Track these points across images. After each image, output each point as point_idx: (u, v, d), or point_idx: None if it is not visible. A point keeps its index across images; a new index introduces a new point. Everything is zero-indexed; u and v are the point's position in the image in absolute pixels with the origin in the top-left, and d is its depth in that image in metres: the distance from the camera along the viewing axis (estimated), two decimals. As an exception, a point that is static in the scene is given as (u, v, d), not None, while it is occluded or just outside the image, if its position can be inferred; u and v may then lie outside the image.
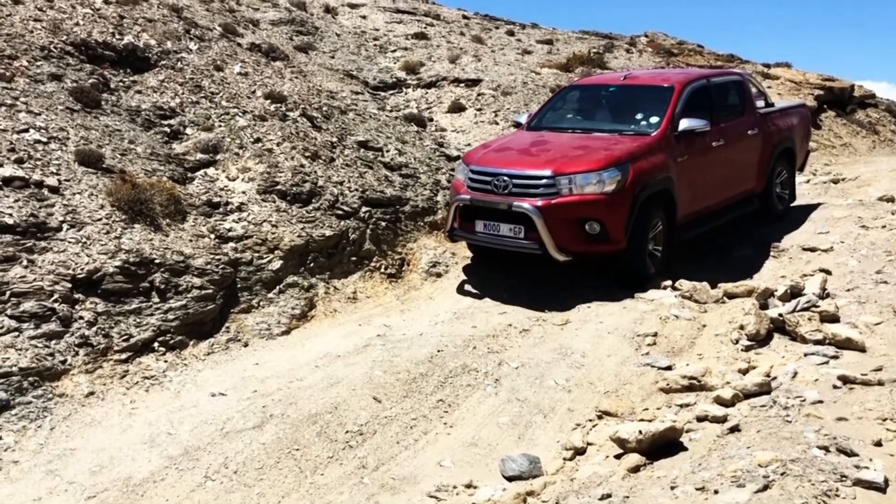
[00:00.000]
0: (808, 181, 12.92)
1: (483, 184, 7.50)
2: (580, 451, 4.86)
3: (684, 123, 7.86)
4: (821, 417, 4.49)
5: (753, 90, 9.58)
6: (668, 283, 7.32)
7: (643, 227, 7.36)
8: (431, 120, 11.97)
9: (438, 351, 6.15)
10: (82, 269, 5.89)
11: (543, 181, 7.19)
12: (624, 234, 7.20)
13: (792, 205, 10.16)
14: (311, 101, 9.78)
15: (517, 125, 9.21)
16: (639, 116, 8.22)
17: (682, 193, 7.79)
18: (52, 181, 6.42)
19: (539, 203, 7.09)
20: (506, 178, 7.34)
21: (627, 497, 3.96)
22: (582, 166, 7.21)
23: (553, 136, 8.27)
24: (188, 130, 8.24)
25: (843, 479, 3.74)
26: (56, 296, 5.64)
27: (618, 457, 4.58)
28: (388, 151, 9.50)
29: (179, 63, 9.21)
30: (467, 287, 7.68)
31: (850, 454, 3.99)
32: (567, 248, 7.15)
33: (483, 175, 7.54)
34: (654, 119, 8.02)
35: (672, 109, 7.98)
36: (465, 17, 19.12)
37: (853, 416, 4.49)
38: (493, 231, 7.45)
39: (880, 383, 4.98)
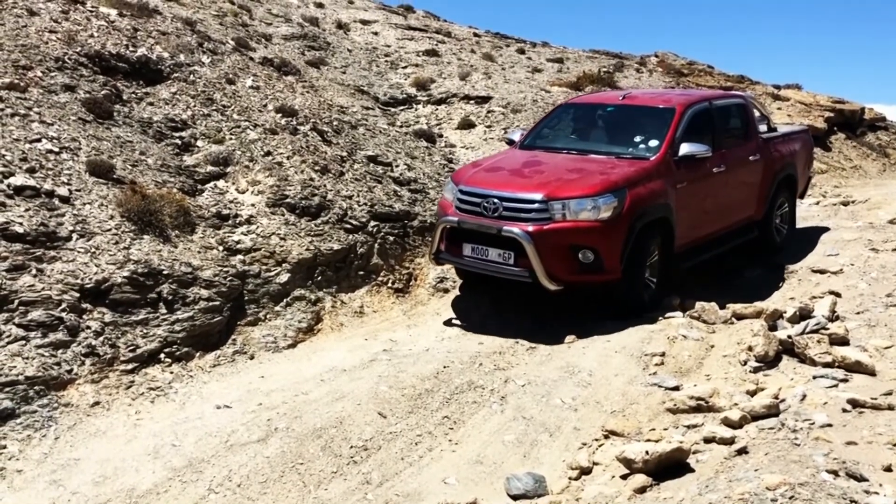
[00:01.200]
0: (818, 203, 12.89)
1: (472, 205, 7.12)
2: (586, 471, 4.82)
3: (685, 148, 7.55)
4: (830, 441, 4.44)
5: (756, 113, 9.32)
6: (677, 301, 7.29)
7: (639, 256, 7.06)
8: (441, 136, 12.01)
9: (444, 367, 6.12)
10: (90, 279, 5.90)
11: (535, 205, 6.84)
12: (619, 264, 6.87)
13: (801, 226, 10.12)
14: (321, 116, 9.82)
15: (510, 143, 8.83)
16: (637, 139, 7.87)
17: (680, 221, 7.48)
18: (62, 191, 6.46)
19: (530, 228, 6.74)
20: (496, 200, 6.96)
21: (633, 518, 3.92)
22: (577, 191, 6.88)
23: (547, 157, 7.91)
24: (199, 143, 8.28)
25: (853, 504, 3.69)
26: (64, 305, 5.65)
27: (624, 477, 4.54)
28: (397, 166, 9.53)
29: (192, 76, 9.28)
30: (474, 304, 7.65)
31: (860, 479, 3.94)
32: (559, 276, 6.80)
33: (472, 196, 7.16)
34: (653, 142, 7.68)
35: (672, 133, 7.65)
36: (475, 34, 19.21)
37: (863, 441, 4.44)
38: (482, 256, 7.07)
39: (890, 408, 4.93)
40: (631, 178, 7.10)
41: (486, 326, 7.07)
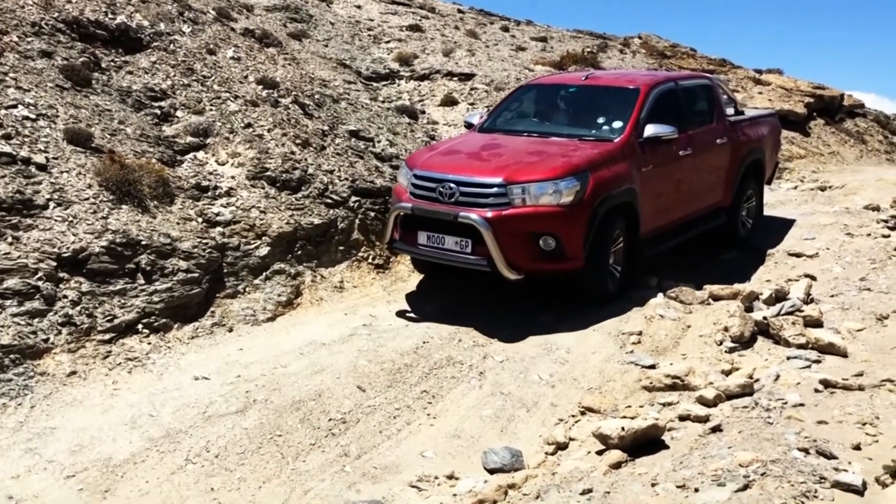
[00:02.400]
0: (795, 187, 13.02)
1: (427, 191, 6.77)
2: (562, 446, 4.88)
3: (650, 129, 7.25)
4: (802, 420, 4.52)
5: (723, 96, 9.04)
6: (655, 281, 7.35)
7: (603, 242, 6.79)
8: (423, 112, 11.96)
9: (424, 342, 6.15)
10: (68, 248, 5.84)
11: (494, 190, 6.49)
12: (582, 251, 6.58)
13: (776, 211, 10.21)
14: (303, 89, 9.73)
15: (468, 126, 8.44)
16: (600, 120, 7.57)
17: (645, 206, 7.21)
18: (39, 158, 6.36)
19: (488, 214, 6.40)
20: (452, 185, 6.61)
21: (608, 493, 3.98)
22: (537, 174, 6.55)
23: (507, 140, 7.56)
24: (179, 113, 8.18)
25: (822, 480, 3.77)
26: (40, 274, 5.59)
27: (599, 453, 4.60)
28: (379, 142, 9.48)
29: (172, 45, 9.14)
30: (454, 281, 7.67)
31: (830, 457, 4.02)
32: (519, 265, 6.47)
33: (427, 181, 6.80)
34: (616, 124, 7.39)
35: (637, 114, 7.36)
36: (459, 11, 19.08)
37: (833, 420, 4.53)
38: (438, 244, 6.72)
39: (861, 388, 5.02)
40: (594, 161, 6.80)
41: (465, 304, 7.09)
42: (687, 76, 9.24)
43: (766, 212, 10.55)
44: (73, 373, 5.30)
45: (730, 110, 9.03)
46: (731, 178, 8.72)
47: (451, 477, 4.61)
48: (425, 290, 7.47)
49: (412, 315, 6.82)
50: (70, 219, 6.06)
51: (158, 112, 8.05)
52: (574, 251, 6.56)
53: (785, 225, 9.71)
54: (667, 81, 8.13)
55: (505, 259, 6.39)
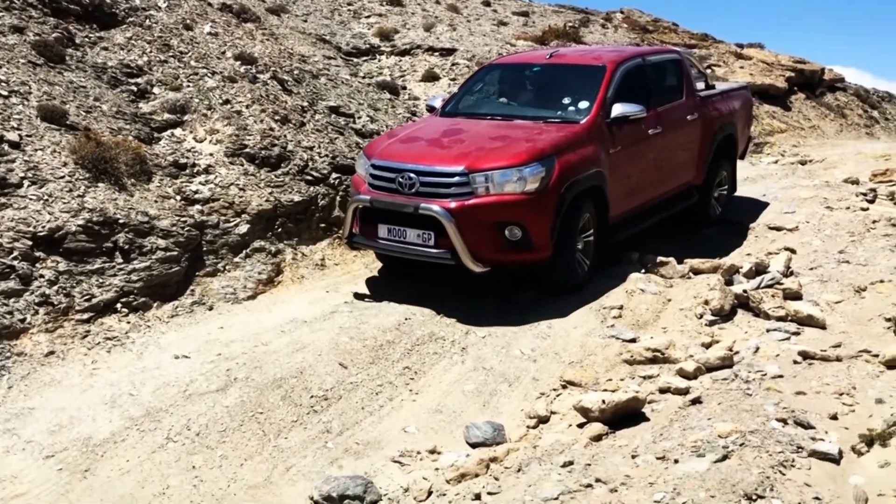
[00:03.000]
0: (776, 161, 13.08)
1: (386, 181, 6.48)
2: (544, 420, 4.90)
3: (617, 109, 6.97)
4: (780, 391, 4.57)
5: (693, 70, 8.74)
6: (636, 256, 7.36)
7: (571, 230, 6.51)
8: (405, 88, 11.86)
9: (406, 319, 6.14)
10: (43, 227, 5.76)
11: (456, 179, 6.21)
12: (549, 240, 6.31)
13: (754, 186, 10.24)
14: (282, 64, 9.62)
15: (430, 109, 8.05)
16: (566, 101, 7.24)
17: (614, 189, 6.94)
18: (12, 136, 6.25)
19: (451, 205, 6.12)
20: (412, 174, 6.32)
21: (589, 465, 4.00)
22: (500, 161, 6.26)
23: (469, 124, 7.19)
24: (155, 90, 8.07)
25: (800, 450, 3.81)
26: (16, 253, 5.52)
27: (581, 426, 4.63)
28: (359, 118, 9.40)
29: (148, 21, 8.99)
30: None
31: (807, 427, 4.07)
32: (484, 256, 6.21)
33: (386, 171, 6.52)
34: (583, 104, 7.07)
35: (603, 93, 7.06)
36: (441, -15, 18.86)
37: (811, 391, 4.57)
38: (399, 237, 6.45)
39: (838, 359, 5.07)
40: (559, 145, 6.50)
41: (446, 279, 7.08)
42: (655, 51, 8.96)
43: (747, 186, 10.62)
44: (52, 353, 5.26)
45: (700, 84, 8.82)
46: (702, 156, 8.46)
47: (433, 451, 4.62)
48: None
49: (394, 292, 6.80)
50: (45, 197, 5.98)
51: (135, 89, 7.93)
52: (541, 240, 6.29)
53: (765, 198, 9.75)
54: (634, 57, 7.82)
55: (469, 251, 6.14)
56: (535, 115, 7.17)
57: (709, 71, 16.62)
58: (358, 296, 6.67)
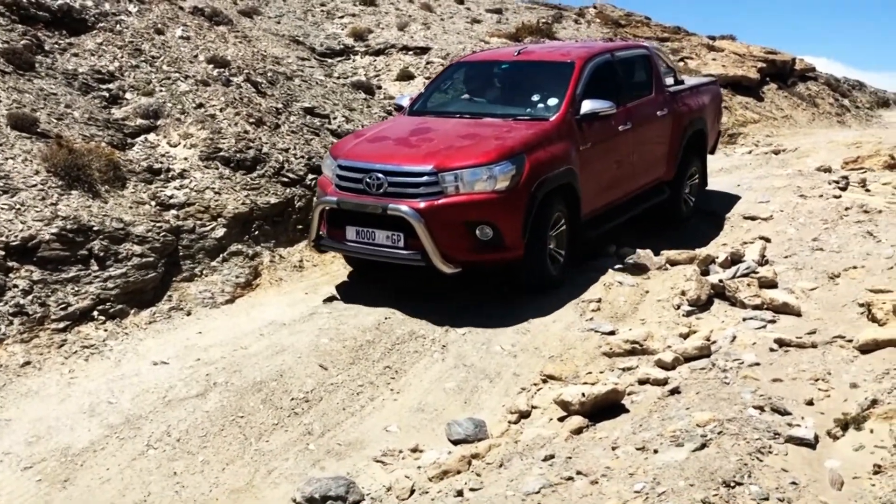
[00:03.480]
0: (750, 152, 13.20)
1: (353, 182, 6.35)
2: (525, 415, 4.93)
3: (587, 105, 6.89)
4: (757, 379, 4.62)
5: (662, 66, 8.70)
6: (613, 248, 7.40)
7: (542, 228, 6.41)
8: (380, 88, 11.84)
9: (386, 318, 6.13)
10: (16, 237, 5.70)
11: (424, 178, 6.10)
12: (521, 239, 6.21)
13: (729, 177, 10.32)
14: (255, 67, 9.58)
15: (398, 108, 8.00)
16: (535, 98, 7.16)
17: (586, 186, 6.87)
18: (-18, 145, 6.18)
19: (420, 205, 6.01)
20: (380, 174, 6.19)
21: (570, 458, 4.03)
22: (470, 159, 6.15)
23: (437, 123, 7.10)
24: (128, 95, 8.00)
25: (777, 436, 3.86)
26: (-11, 264, 5.46)
27: (561, 419, 4.65)
28: (335, 118, 9.38)
29: (118, 26, 8.92)
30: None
31: (784, 413, 4.12)
32: (455, 257, 6.11)
33: (353, 171, 6.39)
34: (552, 101, 7.00)
35: (573, 89, 6.99)
36: (413, -16, 18.85)
37: (787, 378, 4.63)
38: (368, 239, 6.33)
39: (814, 346, 5.14)
40: (529, 142, 6.42)
41: (427, 278, 7.08)
42: (623, 46, 8.76)
43: (722, 177, 10.72)
44: (28, 363, 5.20)
45: (669, 80, 8.76)
46: (673, 151, 8.43)
47: (415, 450, 4.63)
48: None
49: (373, 292, 6.79)
50: (17, 206, 5.92)
51: (106, 94, 7.87)
52: (513, 239, 6.19)
53: (739, 188, 9.84)
54: (603, 53, 7.73)
55: (440, 252, 6.03)
56: (505, 113, 7.08)
57: (681, 64, 16.75)
58: (337, 296, 6.65)
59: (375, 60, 12.87)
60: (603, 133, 7.18)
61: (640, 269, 6.89)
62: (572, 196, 6.76)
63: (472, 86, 7.98)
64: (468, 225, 6.14)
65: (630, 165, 7.73)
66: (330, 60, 12.19)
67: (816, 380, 4.56)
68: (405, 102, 7.86)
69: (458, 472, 4.28)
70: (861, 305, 5.72)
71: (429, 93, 7.97)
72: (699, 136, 8.94)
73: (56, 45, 8.13)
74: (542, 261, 6.47)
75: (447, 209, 6.06)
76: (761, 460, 3.66)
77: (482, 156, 6.19)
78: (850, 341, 5.06)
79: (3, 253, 5.57)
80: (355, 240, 6.42)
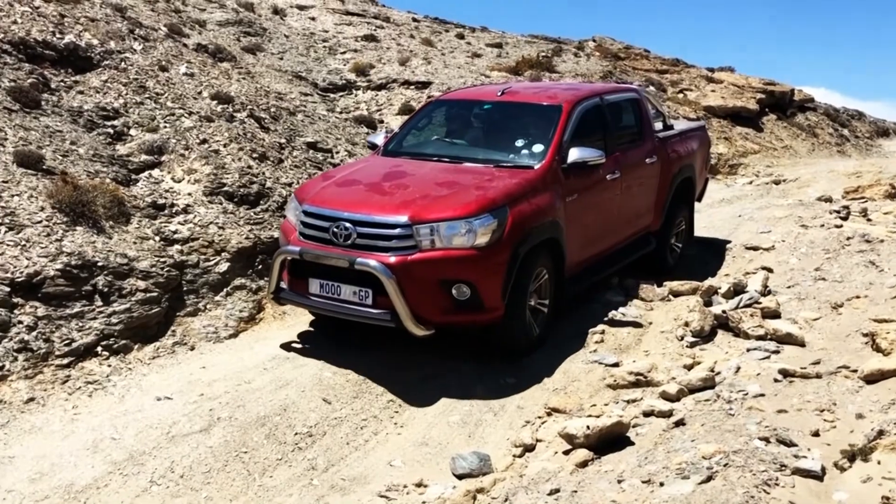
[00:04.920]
0: (750, 182, 13.27)
1: (319, 230, 5.85)
2: (529, 448, 4.90)
3: (574, 154, 6.43)
4: (762, 410, 4.60)
5: (651, 110, 8.28)
6: (616, 280, 7.42)
7: (524, 287, 5.93)
8: (382, 122, 11.96)
9: (387, 351, 6.12)
10: (21, 273, 5.73)
11: (397, 231, 5.58)
12: (501, 299, 5.70)
13: (728, 208, 10.36)
14: (258, 102, 9.68)
15: (372, 147, 7.49)
16: (519, 143, 6.70)
17: (571, 240, 6.41)
18: (-11, 182, 6.24)
19: (391, 259, 5.50)
20: (348, 224, 5.68)
21: (576, 491, 4.00)
22: (447, 211, 5.65)
23: (414, 166, 6.61)
24: (132, 131, 8.09)
25: (783, 468, 3.83)
26: (-7, 300, 5.47)
27: (566, 452, 4.63)
28: (337, 153, 9.46)
29: (123, 63, 9.04)
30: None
31: (790, 444, 4.09)
32: (428, 318, 5.58)
33: (319, 219, 5.87)
34: (537, 147, 6.54)
35: (560, 135, 6.55)
36: (414, 19, 19.15)
37: (793, 408, 4.61)
38: (333, 294, 5.79)
39: (818, 376, 5.12)
40: (513, 193, 5.95)
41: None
42: (613, 89, 8.12)
43: (723, 207, 10.77)
44: (32, 399, 5.20)
45: (658, 125, 8.39)
46: (661, 200, 8.02)
47: (419, 485, 4.60)
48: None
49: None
50: (23, 242, 5.95)
51: (111, 131, 7.95)
52: (492, 300, 5.69)
53: (741, 219, 9.87)
54: (591, 96, 7.27)
55: (411, 312, 5.50)
56: (486, 158, 6.60)
57: (681, 95, 16.92)
58: (339, 329, 6.64)
59: (377, 95, 13.01)
60: (590, 183, 6.76)
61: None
62: (557, 251, 6.31)
63: (452, 126, 7.53)
64: (444, 283, 5.62)
65: (617, 216, 7.31)
66: (332, 95, 12.33)
67: (822, 410, 4.54)
68: (379, 140, 7.37)
69: (464, 507, 4.25)
70: (865, 335, 5.71)
71: (405, 132, 7.48)
72: (687, 183, 8.57)
73: (62, 83, 8.24)
74: (523, 322, 5.99)
75: (421, 265, 5.54)
76: (768, 492, 3.63)
77: (461, 207, 5.70)
78: (855, 371, 5.05)
79: (8, 289, 5.59)
80: (319, 294, 5.88)
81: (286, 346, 6.24)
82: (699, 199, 9.32)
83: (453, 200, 5.81)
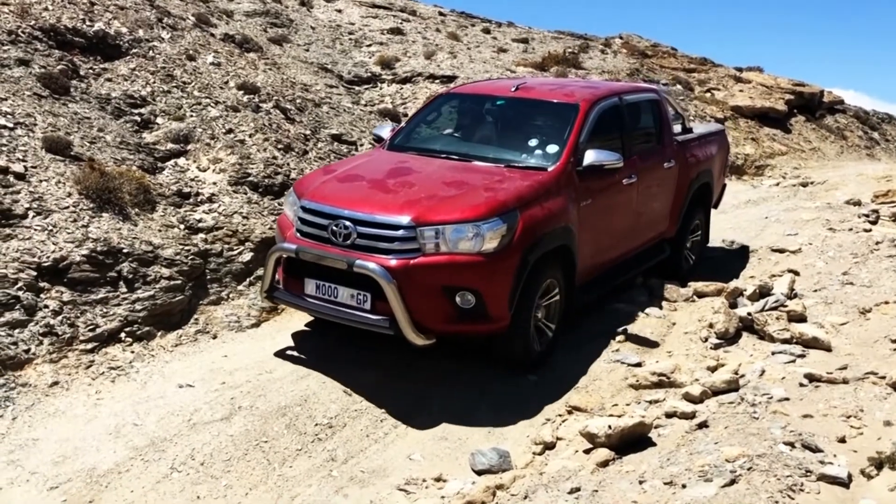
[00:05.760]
0: (777, 184, 13.12)
1: (317, 228, 5.54)
2: (550, 446, 4.87)
3: (591, 156, 6.09)
4: (787, 414, 4.54)
5: (670, 111, 7.92)
6: (640, 280, 7.36)
7: (532, 296, 5.59)
8: (406, 115, 11.93)
9: (408, 345, 6.11)
10: (48, 258, 5.77)
11: (400, 232, 5.26)
12: (508, 309, 5.37)
13: (753, 209, 10.25)
14: (284, 94, 9.70)
15: (378, 140, 7.10)
16: (532, 143, 6.39)
17: (583, 248, 6.10)
18: (18, 167, 6.29)
19: (392, 263, 5.18)
20: (348, 223, 5.37)
21: (596, 491, 3.97)
22: (454, 213, 5.32)
23: (420, 163, 6.28)
24: (159, 120, 8.13)
25: (808, 474, 3.78)
26: (20, 284, 5.52)
27: (587, 451, 4.60)
28: (362, 145, 9.46)
29: (151, 52, 9.09)
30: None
31: (815, 450, 4.04)
32: (429, 327, 5.26)
33: (317, 216, 5.56)
34: (551, 148, 6.22)
35: (575, 136, 6.22)
36: (441, 13, 19.10)
37: (818, 414, 4.55)
38: (329, 296, 5.46)
39: (845, 381, 5.05)
40: (524, 196, 5.62)
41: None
42: (632, 88, 7.78)
43: (749, 209, 10.65)
44: (56, 383, 5.24)
45: (677, 127, 8.04)
46: (677, 206, 7.71)
47: (438, 479, 4.60)
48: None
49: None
50: (50, 228, 6.00)
51: (138, 119, 8.00)
52: (498, 309, 5.35)
53: (768, 221, 9.76)
54: (610, 96, 6.92)
55: (411, 319, 5.18)
56: (497, 157, 6.26)
57: (708, 95, 16.75)
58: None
59: (402, 88, 12.98)
60: (606, 187, 6.44)
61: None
62: (568, 258, 5.98)
63: (462, 121, 7.18)
64: (447, 290, 5.28)
65: (632, 223, 7.01)
66: (357, 88, 12.33)
67: (848, 416, 4.47)
68: (385, 133, 7.00)
69: (483, 503, 4.23)
70: (893, 341, 5.63)
71: (413, 125, 7.11)
72: (705, 189, 8.28)
73: (91, 71, 8.29)
74: (528, 334, 5.65)
75: (424, 270, 5.21)
76: (793, 498, 3.59)
77: (469, 210, 5.36)
78: (883, 378, 4.97)
79: (35, 273, 5.64)
80: (315, 295, 5.56)
81: (299, 338, 6.24)
82: (715, 206, 8.98)
83: (461, 202, 5.49)
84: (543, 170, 6.04)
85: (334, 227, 5.43)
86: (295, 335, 6.27)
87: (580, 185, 6.12)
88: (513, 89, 6.96)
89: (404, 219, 5.29)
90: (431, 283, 5.24)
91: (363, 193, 5.76)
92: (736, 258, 8.48)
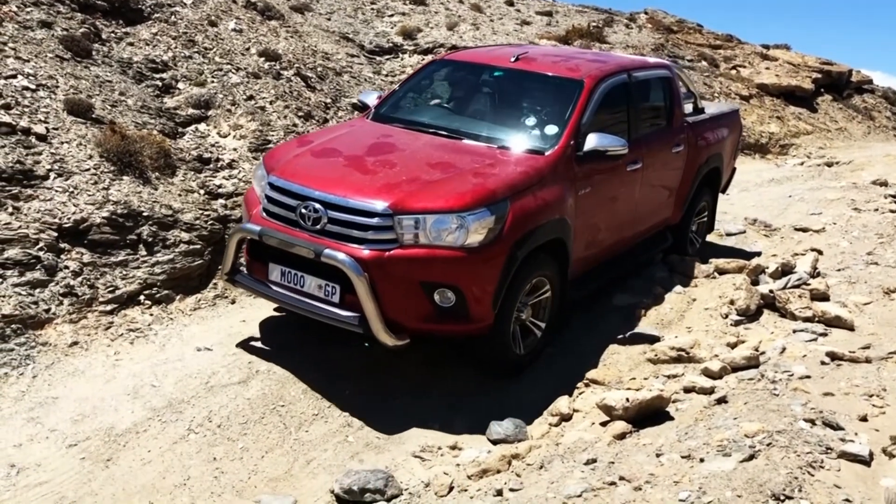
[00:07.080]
0: (802, 163, 12.95)
1: (284, 209, 5.00)
2: (566, 418, 4.86)
3: (593, 141, 5.52)
4: (808, 392, 4.48)
5: (682, 90, 7.38)
6: (661, 255, 7.28)
7: (517, 295, 5.10)
8: (427, 86, 11.85)
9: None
10: (69, 219, 5.79)
11: (375, 220, 4.73)
12: (491, 309, 4.87)
13: (777, 188, 10.12)
14: (305, 62, 9.64)
15: (362, 107, 6.55)
16: (530, 122, 5.84)
17: (579, 241, 5.60)
18: (39, 129, 6.30)
19: (364, 253, 4.67)
20: (318, 205, 4.83)
21: (612, 463, 3.95)
22: (437, 201, 4.78)
23: (405, 138, 5.70)
24: (180, 85, 8.11)
25: (829, 451, 3.73)
26: (41, 244, 5.55)
27: (604, 424, 4.57)
28: (382, 115, 9.39)
29: (173, 17, 9.05)
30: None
31: (836, 428, 3.98)
32: (403, 325, 4.77)
33: (285, 195, 5.02)
34: (550, 129, 5.65)
35: (578, 117, 5.66)
36: (464, -15, 18.86)
37: (840, 392, 4.49)
38: (295, 284, 4.96)
39: (868, 360, 4.98)
40: (516, 184, 5.07)
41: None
42: (642, 64, 7.03)
43: (772, 188, 10.51)
44: (75, 343, 5.28)
45: (688, 107, 7.49)
46: (683, 192, 7.22)
47: (454, 447, 4.60)
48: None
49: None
50: (71, 189, 6.01)
51: (159, 84, 7.98)
52: (480, 310, 4.84)
53: (791, 199, 9.63)
54: (619, 72, 6.32)
55: (383, 317, 4.67)
56: (490, 136, 5.70)
57: (734, 72, 16.51)
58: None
59: (424, 59, 12.86)
60: (607, 174, 5.92)
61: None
62: (562, 253, 5.48)
63: (455, 93, 6.59)
64: (425, 286, 4.76)
65: (633, 212, 6.50)
66: (378, 58, 12.23)
67: (871, 395, 4.41)
68: (371, 101, 6.45)
69: (498, 472, 4.22)
70: (918, 322, 5.55)
71: (401, 93, 6.51)
72: (714, 174, 7.78)
73: (112, 34, 8.27)
74: (507, 335, 5.17)
75: (400, 263, 4.70)
76: (812, 475, 3.54)
77: (454, 198, 4.81)
78: (907, 358, 4.90)
79: (56, 234, 5.66)
80: (279, 282, 5.06)
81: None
82: (724, 191, 8.50)
83: (445, 188, 4.93)
84: (540, 153, 5.48)
85: (303, 210, 4.90)
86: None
87: (579, 172, 5.58)
88: (512, 59, 6.32)
89: (381, 204, 4.74)
90: (408, 278, 4.73)
91: (338, 172, 5.17)
92: (758, 236, 8.38)
